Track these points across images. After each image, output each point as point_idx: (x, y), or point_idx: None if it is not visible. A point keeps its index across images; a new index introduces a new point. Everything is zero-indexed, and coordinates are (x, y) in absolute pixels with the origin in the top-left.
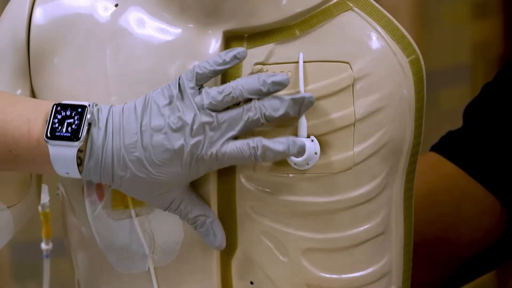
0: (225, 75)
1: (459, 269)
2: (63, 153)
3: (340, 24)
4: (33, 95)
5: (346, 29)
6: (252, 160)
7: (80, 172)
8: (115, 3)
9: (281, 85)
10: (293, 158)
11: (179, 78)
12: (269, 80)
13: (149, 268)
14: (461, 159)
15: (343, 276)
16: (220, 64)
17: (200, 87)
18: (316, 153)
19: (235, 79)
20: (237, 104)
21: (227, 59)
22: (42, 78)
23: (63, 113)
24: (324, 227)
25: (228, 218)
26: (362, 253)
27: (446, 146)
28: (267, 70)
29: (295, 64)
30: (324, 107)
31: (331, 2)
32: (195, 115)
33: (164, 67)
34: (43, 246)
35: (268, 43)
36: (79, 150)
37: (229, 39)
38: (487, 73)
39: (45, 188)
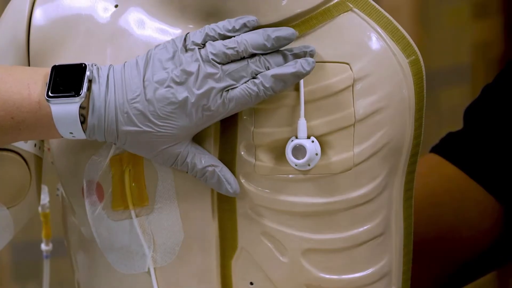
0: None
1: (459, 269)
2: (65, 111)
3: (340, 25)
4: None
5: (346, 30)
6: (262, 96)
7: (84, 130)
8: (115, 3)
9: (286, 39)
10: (294, 160)
11: (186, 34)
12: (274, 35)
13: (149, 268)
14: (461, 160)
15: (343, 276)
16: (229, 31)
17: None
18: (317, 154)
19: None
20: (241, 59)
21: (237, 27)
22: None
23: (62, 73)
24: (324, 227)
25: (228, 218)
26: (362, 253)
27: (446, 148)
28: None
29: None
30: (324, 107)
31: (331, 3)
32: (199, 66)
33: None
34: (43, 247)
35: None
36: (82, 107)
37: None
38: (488, 73)
39: (45, 189)
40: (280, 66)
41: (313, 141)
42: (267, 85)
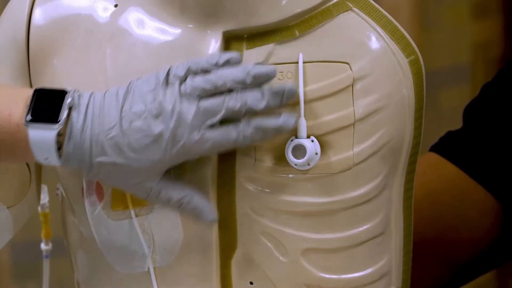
0: None
1: (458, 269)
2: (42, 137)
3: (340, 25)
4: None
5: (345, 30)
6: (239, 143)
7: (59, 157)
8: (115, 3)
9: (265, 77)
10: (294, 159)
11: (169, 68)
12: (253, 72)
13: (148, 268)
14: (461, 159)
15: (343, 276)
16: (213, 65)
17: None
18: (316, 154)
19: None
20: (219, 94)
21: (220, 62)
22: (42, 79)
23: (44, 98)
24: (323, 227)
25: (228, 218)
26: (361, 253)
27: (445, 147)
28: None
29: (295, 65)
30: (324, 107)
31: (331, 3)
32: (175, 101)
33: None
34: (43, 246)
35: (267, 43)
36: (59, 134)
37: (229, 40)
38: (487, 73)
39: (44, 189)
40: (258, 101)
41: (312, 141)
42: (246, 134)
